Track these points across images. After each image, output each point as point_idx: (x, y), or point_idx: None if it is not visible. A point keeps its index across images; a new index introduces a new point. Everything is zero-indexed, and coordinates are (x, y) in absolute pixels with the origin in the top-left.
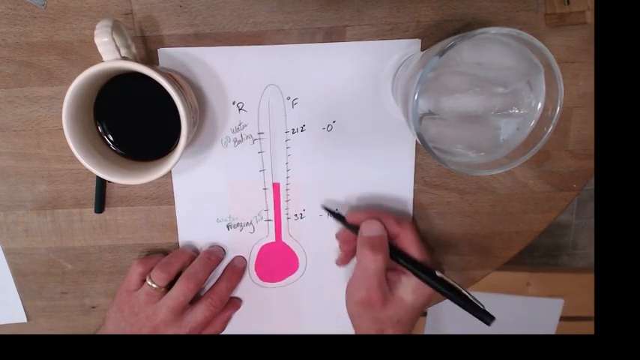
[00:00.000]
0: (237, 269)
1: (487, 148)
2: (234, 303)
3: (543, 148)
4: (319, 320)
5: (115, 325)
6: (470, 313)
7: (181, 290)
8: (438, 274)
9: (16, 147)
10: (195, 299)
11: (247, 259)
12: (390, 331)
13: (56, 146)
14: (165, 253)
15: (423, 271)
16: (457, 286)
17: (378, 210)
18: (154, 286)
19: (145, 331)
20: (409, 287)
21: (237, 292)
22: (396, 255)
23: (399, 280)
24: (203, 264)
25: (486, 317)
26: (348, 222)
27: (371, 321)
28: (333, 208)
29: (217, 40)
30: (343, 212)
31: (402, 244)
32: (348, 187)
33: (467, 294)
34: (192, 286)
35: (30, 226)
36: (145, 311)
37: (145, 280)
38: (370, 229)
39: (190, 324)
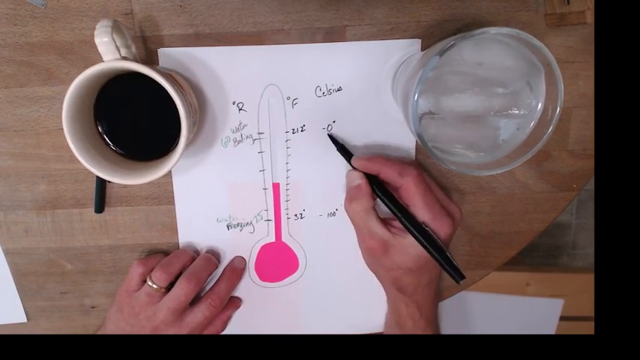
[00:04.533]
0: (236, 269)
1: (486, 148)
2: (234, 302)
3: (543, 148)
4: (319, 320)
5: (115, 326)
6: (444, 269)
7: (182, 290)
8: (425, 226)
9: (16, 147)
10: (195, 300)
11: (247, 259)
12: (405, 279)
13: (56, 146)
14: (165, 253)
15: (409, 220)
16: (439, 242)
17: (383, 157)
18: (154, 286)
19: (145, 331)
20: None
21: (237, 292)
22: (386, 202)
23: (399, 228)
24: (203, 264)
25: (457, 275)
26: (353, 166)
27: (382, 268)
28: (340, 140)
29: (217, 40)
30: (351, 150)
31: (404, 196)
32: None
33: (446, 252)
34: (193, 286)
35: (30, 226)
36: (145, 312)
37: (145, 281)
38: (349, 179)
39: (190, 324)
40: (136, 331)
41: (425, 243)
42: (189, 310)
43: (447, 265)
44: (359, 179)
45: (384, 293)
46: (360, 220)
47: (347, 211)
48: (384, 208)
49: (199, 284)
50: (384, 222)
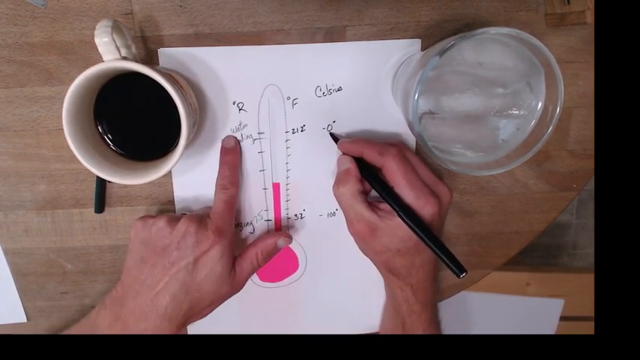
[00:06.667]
0: (228, 149)
1: (486, 148)
2: (283, 233)
3: (543, 148)
4: (319, 320)
5: (140, 257)
6: (440, 259)
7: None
8: (411, 208)
9: (16, 147)
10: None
11: None
12: (396, 262)
13: (56, 146)
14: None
15: (397, 202)
16: (428, 225)
17: (365, 139)
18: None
19: (184, 247)
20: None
21: (237, 293)
22: (373, 184)
23: (386, 210)
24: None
25: (456, 267)
26: (340, 150)
27: (372, 252)
28: (337, 136)
29: (217, 40)
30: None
31: (388, 176)
32: None
33: (435, 233)
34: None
35: (30, 226)
36: (168, 236)
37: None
38: (339, 164)
39: (214, 215)
40: (169, 251)
41: (414, 227)
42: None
43: (435, 248)
44: (348, 163)
45: (384, 291)
46: (347, 203)
47: (335, 195)
48: (373, 192)
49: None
50: (371, 205)
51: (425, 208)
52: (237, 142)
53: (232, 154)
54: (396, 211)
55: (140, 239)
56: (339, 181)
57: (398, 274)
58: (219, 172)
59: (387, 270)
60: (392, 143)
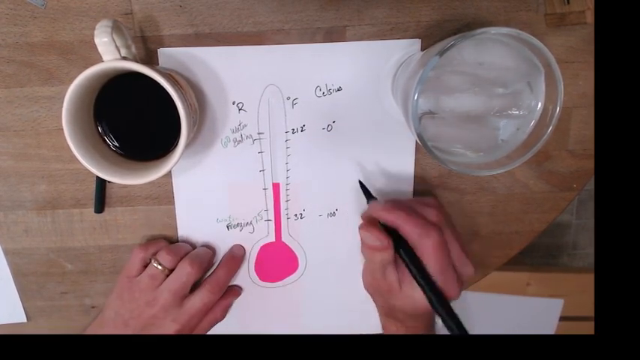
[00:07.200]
0: (235, 257)
1: (485, 149)
2: (234, 291)
3: (543, 148)
4: (319, 320)
5: (114, 312)
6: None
7: (184, 271)
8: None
9: (16, 147)
10: (194, 288)
11: (247, 259)
12: (398, 314)
13: (56, 146)
14: (165, 238)
15: (424, 279)
16: (452, 308)
17: (405, 210)
18: (159, 267)
19: (144, 317)
20: (416, 286)
21: None
22: (402, 257)
23: (407, 277)
24: (206, 250)
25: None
26: (374, 215)
27: (380, 298)
28: (368, 188)
29: (217, 40)
30: (375, 196)
31: (419, 253)
32: (348, 187)
33: (460, 322)
34: (195, 270)
35: (30, 226)
36: (145, 296)
37: (145, 266)
38: (368, 238)
39: (189, 311)
40: (135, 316)
41: (436, 306)
42: (188, 296)
43: (457, 329)
44: (379, 243)
45: None
46: (381, 267)
47: (366, 255)
48: None
49: (201, 269)
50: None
51: (448, 293)
52: (244, 253)
53: (236, 262)
54: (428, 299)
55: (120, 297)
56: (375, 249)
57: (397, 320)
58: (216, 270)
59: (387, 315)
60: (432, 222)
